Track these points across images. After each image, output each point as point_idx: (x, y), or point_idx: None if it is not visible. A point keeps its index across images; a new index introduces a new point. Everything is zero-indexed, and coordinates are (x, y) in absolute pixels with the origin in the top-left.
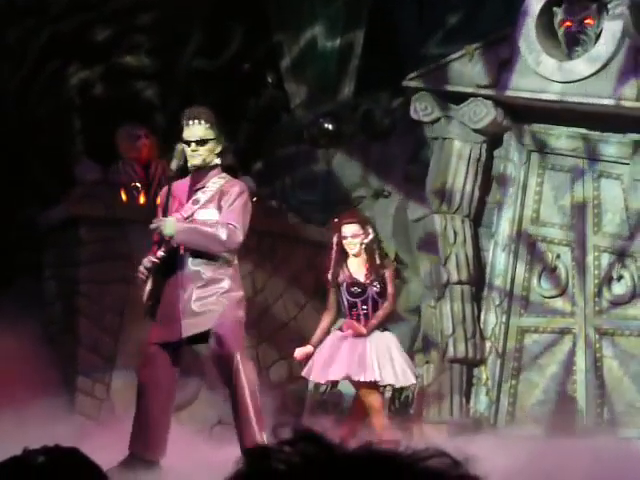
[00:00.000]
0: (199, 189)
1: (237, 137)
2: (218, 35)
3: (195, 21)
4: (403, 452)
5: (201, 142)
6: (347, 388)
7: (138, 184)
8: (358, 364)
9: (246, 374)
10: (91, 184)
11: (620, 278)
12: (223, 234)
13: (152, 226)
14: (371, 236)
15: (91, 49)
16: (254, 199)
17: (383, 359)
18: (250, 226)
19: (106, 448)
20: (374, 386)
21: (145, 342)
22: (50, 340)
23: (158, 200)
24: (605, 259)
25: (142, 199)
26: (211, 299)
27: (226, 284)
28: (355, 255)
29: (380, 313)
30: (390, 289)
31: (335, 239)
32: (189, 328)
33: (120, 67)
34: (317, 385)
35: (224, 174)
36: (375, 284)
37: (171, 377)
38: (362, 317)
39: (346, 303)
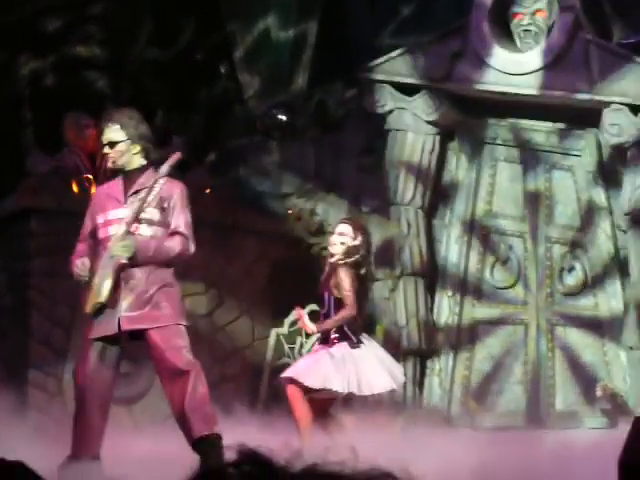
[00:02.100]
0: (137, 190)
1: (190, 128)
2: (170, 25)
3: (147, 11)
4: (349, 473)
5: (110, 144)
6: None
7: (90, 175)
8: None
9: (194, 378)
10: (42, 176)
11: (571, 269)
12: (178, 247)
13: (115, 251)
14: (357, 242)
15: (42, 39)
16: (207, 190)
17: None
18: (203, 218)
19: (58, 443)
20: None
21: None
22: (1, 333)
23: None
24: (557, 250)
25: (93, 190)
26: (157, 297)
27: (170, 282)
28: (333, 254)
29: (335, 317)
30: (347, 293)
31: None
32: (135, 322)
33: (71, 57)
34: (271, 377)
35: (160, 174)
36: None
37: (104, 378)
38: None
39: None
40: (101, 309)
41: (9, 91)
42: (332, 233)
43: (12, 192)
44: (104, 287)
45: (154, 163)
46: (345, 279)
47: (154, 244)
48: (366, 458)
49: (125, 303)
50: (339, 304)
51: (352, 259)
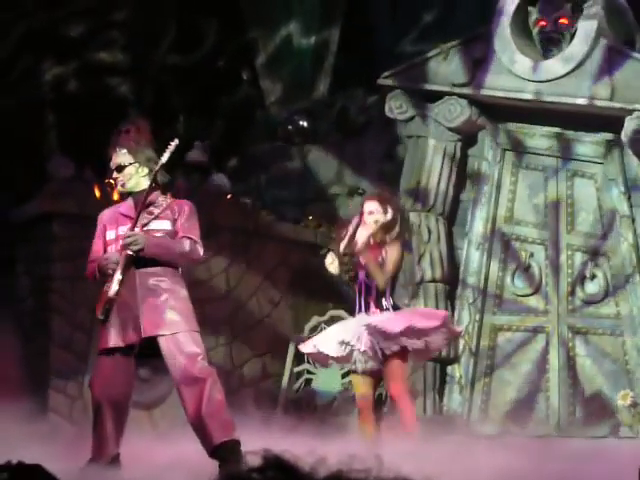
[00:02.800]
0: (149, 205)
1: (211, 134)
2: (193, 31)
3: (169, 17)
4: None
5: (118, 168)
6: (321, 386)
7: (112, 181)
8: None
9: (210, 386)
10: (64, 180)
11: (593, 277)
12: (187, 247)
13: (127, 240)
14: (388, 217)
15: (65, 45)
16: (228, 196)
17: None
18: (223, 223)
19: (79, 447)
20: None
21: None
22: (23, 337)
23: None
24: (578, 258)
25: (115, 196)
26: (171, 304)
27: (183, 291)
28: (372, 234)
29: (382, 270)
30: (389, 257)
31: (360, 213)
32: (151, 329)
33: (94, 63)
34: (290, 382)
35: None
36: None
37: (126, 386)
38: (358, 305)
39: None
40: (110, 309)
41: (33, 96)
42: (362, 213)
43: (34, 196)
44: (114, 282)
45: (162, 186)
46: (393, 255)
47: (164, 239)
48: (390, 467)
49: (144, 310)
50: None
51: (394, 231)
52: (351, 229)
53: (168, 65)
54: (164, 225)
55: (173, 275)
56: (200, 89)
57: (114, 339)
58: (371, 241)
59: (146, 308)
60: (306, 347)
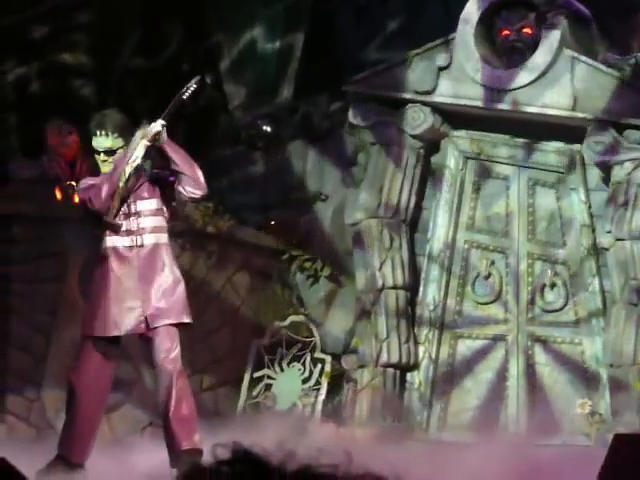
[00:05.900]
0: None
1: (174, 137)
2: (157, 34)
3: (134, 20)
4: (341, 475)
5: (109, 152)
6: (282, 391)
7: (73, 182)
8: None
9: (180, 380)
10: (26, 182)
11: (553, 286)
12: (197, 169)
13: (157, 129)
14: None
15: (28, 46)
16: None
17: None
18: (185, 227)
19: (35, 449)
20: None
21: (79, 337)
22: None
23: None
24: (538, 266)
25: (77, 198)
26: (171, 289)
27: (179, 275)
28: None
29: None
30: None
31: None
32: (158, 319)
33: (57, 65)
34: (250, 387)
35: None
36: None
37: (105, 378)
38: None
39: None
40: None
41: None
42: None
43: None
44: (128, 165)
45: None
46: None
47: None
48: (359, 463)
49: (146, 296)
50: None
51: None
52: None
53: (132, 68)
54: (151, 204)
55: (168, 248)
56: (163, 93)
57: (108, 327)
58: None
59: (148, 293)
60: None
